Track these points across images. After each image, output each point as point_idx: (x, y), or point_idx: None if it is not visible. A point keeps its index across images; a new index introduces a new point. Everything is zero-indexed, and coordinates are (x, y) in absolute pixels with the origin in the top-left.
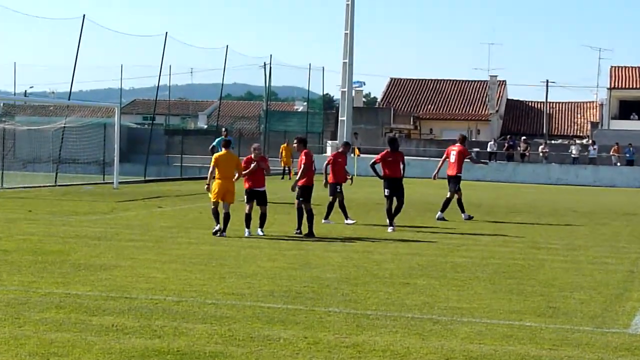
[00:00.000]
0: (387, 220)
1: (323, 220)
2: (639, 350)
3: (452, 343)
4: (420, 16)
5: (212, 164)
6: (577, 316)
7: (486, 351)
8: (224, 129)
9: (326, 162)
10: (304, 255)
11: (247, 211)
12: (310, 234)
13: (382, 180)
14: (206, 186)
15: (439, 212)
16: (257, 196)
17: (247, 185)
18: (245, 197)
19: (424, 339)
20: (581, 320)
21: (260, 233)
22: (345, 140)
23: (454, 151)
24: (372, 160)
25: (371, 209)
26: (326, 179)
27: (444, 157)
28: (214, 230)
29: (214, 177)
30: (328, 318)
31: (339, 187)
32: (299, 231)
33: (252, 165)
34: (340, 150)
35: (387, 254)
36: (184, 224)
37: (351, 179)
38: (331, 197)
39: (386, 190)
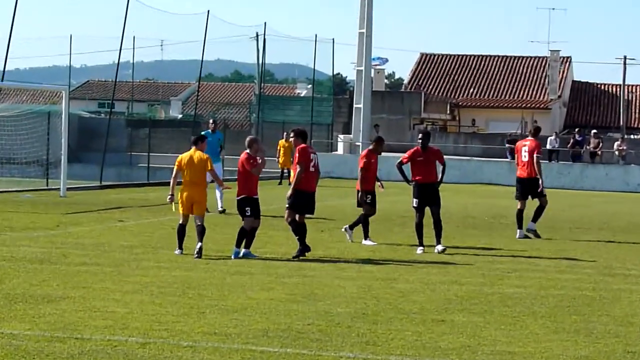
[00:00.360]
0: (417, 239)
1: (363, 241)
2: None
3: None
4: None
5: (175, 166)
6: None
7: None
8: (211, 121)
9: (362, 163)
10: (308, 283)
11: (247, 227)
12: (301, 251)
13: (412, 187)
14: (169, 197)
15: (531, 223)
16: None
17: (243, 193)
18: (249, 209)
19: None
20: None
21: (245, 253)
22: (376, 135)
23: (525, 147)
24: (399, 160)
25: (395, 224)
26: (364, 186)
27: (517, 157)
28: (177, 252)
29: (180, 184)
30: None
31: (369, 196)
32: (299, 254)
33: (258, 161)
34: (371, 148)
35: (416, 282)
36: (152, 243)
37: (381, 185)
38: (363, 211)
39: (415, 200)
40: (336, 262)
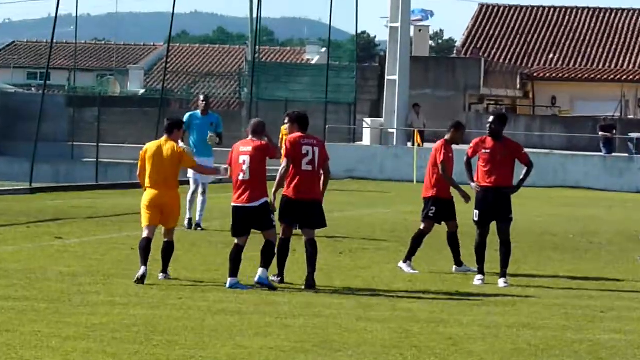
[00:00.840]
0: (476, 265)
1: (400, 264)
2: None
3: None
4: None
5: (139, 162)
6: None
7: None
8: (201, 98)
9: (442, 156)
10: (321, 326)
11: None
12: (309, 284)
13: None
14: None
15: None
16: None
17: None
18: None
19: None
20: None
21: (269, 279)
22: (455, 122)
23: None
24: (465, 156)
25: (444, 244)
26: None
27: None
28: (136, 278)
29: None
30: None
31: (433, 208)
32: (278, 278)
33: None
34: (447, 138)
35: (473, 324)
36: (103, 269)
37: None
38: (423, 224)
39: (476, 211)
40: (361, 296)
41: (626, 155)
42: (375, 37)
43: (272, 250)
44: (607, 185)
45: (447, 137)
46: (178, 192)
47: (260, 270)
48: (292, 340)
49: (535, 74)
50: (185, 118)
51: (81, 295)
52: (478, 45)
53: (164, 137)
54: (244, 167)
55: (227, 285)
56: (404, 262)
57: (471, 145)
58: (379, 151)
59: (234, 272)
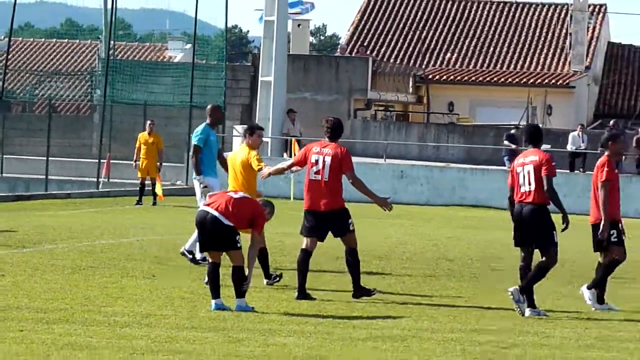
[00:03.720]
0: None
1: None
2: None
3: None
4: None
5: None
6: None
7: None
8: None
9: (605, 175)
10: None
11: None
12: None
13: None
14: None
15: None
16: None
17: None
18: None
19: None
20: None
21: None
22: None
23: None
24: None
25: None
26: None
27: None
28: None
29: None
30: None
31: (614, 232)
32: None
33: None
34: (609, 153)
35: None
36: None
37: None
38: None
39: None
40: (230, 329)
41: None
42: (248, 32)
43: (240, 277)
44: None
45: (608, 151)
46: None
47: (236, 301)
48: None
49: (430, 76)
50: (205, 132)
51: None
52: (365, 43)
53: None
54: None
55: (212, 307)
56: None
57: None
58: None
59: (215, 292)
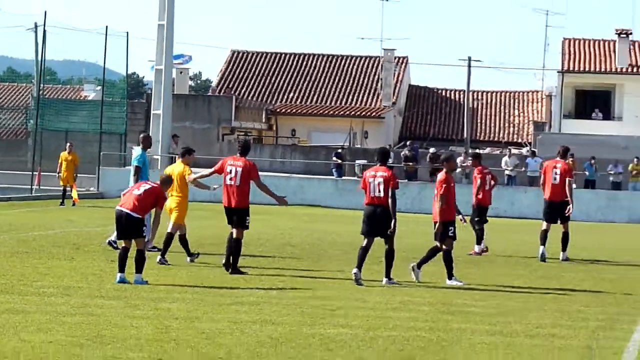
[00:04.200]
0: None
1: (448, 282)
2: None
3: None
4: None
5: None
6: None
7: None
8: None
9: (442, 189)
10: (94, 323)
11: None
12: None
13: None
14: None
15: (562, 254)
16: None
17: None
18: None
19: None
20: None
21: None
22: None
23: (556, 169)
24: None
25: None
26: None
27: (545, 178)
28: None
29: None
30: None
31: (452, 228)
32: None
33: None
34: (447, 170)
35: (223, 321)
36: None
37: (463, 218)
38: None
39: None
40: (128, 298)
41: (354, 178)
42: (143, 77)
43: (142, 257)
44: (339, 204)
45: (446, 169)
46: None
47: (135, 276)
48: (69, 335)
49: (278, 110)
50: (142, 156)
51: None
52: (230, 85)
53: None
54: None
55: (116, 279)
56: (450, 278)
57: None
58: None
59: (121, 268)
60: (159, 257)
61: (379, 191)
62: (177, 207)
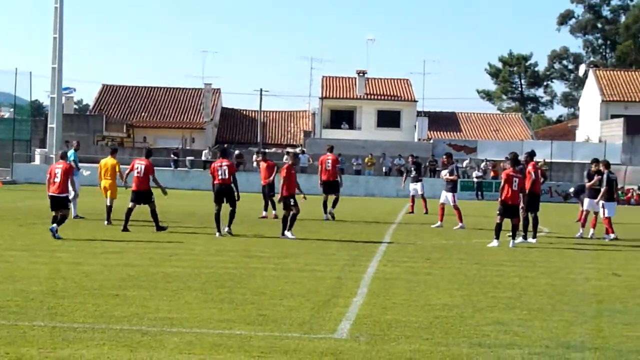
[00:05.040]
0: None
1: (286, 233)
2: (342, 355)
3: (161, 354)
4: (129, 22)
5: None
6: (286, 323)
7: None
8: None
9: (285, 173)
10: (8, 267)
11: None
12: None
13: None
14: None
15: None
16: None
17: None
18: None
19: (132, 351)
20: (290, 327)
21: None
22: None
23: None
24: None
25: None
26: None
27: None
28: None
29: None
30: (32, 332)
31: (292, 199)
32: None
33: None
34: (290, 163)
35: (97, 265)
36: None
37: (304, 196)
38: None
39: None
40: (32, 251)
41: (185, 169)
42: (43, 102)
43: (63, 219)
44: (174, 186)
45: (290, 162)
46: None
47: (54, 225)
48: None
49: (134, 124)
50: (75, 156)
51: None
52: (102, 107)
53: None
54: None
55: (50, 228)
56: (287, 230)
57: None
58: (44, 167)
59: (54, 222)
60: (105, 222)
61: (225, 175)
62: (110, 188)
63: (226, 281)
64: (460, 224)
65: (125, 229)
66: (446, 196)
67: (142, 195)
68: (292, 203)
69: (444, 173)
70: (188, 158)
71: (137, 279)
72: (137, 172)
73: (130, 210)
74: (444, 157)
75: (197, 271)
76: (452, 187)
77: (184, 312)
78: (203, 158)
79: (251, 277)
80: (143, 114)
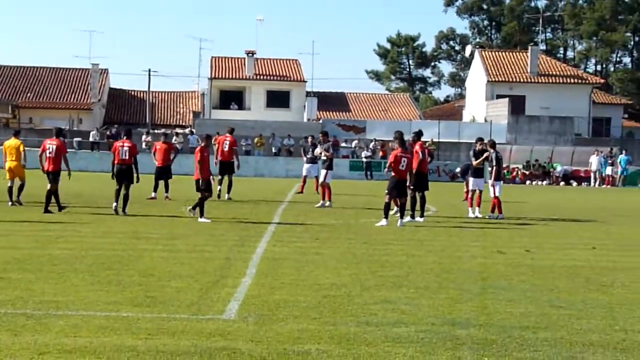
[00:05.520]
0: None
1: (200, 219)
2: (231, 335)
3: (46, 337)
4: (12, 0)
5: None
6: (174, 304)
7: (81, 344)
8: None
9: (199, 156)
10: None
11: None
12: None
13: None
14: None
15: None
16: None
17: None
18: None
19: (16, 335)
20: (178, 309)
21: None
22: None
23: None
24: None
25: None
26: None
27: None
28: None
29: None
30: None
31: (205, 183)
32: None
33: None
34: (203, 145)
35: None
36: None
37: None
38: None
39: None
40: None
41: (73, 150)
42: None
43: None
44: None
45: (203, 144)
46: None
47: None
48: None
49: (20, 105)
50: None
51: None
52: None
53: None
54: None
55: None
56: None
57: None
58: None
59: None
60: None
61: (125, 155)
62: (15, 169)
63: (114, 263)
64: (325, 202)
65: (47, 211)
66: (322, 173)
67: (57, 175)
68: (204, 187)
69: (319, 150)
70: (75, 139)
71: (22, 261)
72: (49, 153)
73: (51, 192)
74: (320, 135)
75: (84, 253)
76: (328, 164)
77: (70, 294)
78: (91, 139)
79: (139, 258)
80: (29, 94)
